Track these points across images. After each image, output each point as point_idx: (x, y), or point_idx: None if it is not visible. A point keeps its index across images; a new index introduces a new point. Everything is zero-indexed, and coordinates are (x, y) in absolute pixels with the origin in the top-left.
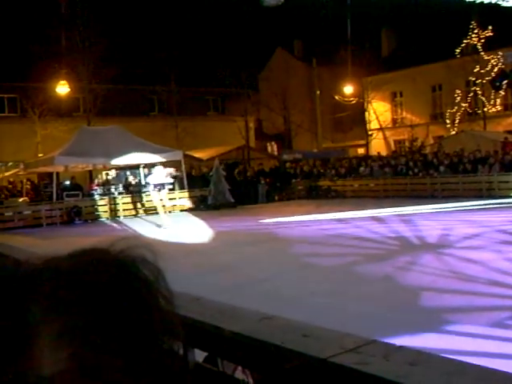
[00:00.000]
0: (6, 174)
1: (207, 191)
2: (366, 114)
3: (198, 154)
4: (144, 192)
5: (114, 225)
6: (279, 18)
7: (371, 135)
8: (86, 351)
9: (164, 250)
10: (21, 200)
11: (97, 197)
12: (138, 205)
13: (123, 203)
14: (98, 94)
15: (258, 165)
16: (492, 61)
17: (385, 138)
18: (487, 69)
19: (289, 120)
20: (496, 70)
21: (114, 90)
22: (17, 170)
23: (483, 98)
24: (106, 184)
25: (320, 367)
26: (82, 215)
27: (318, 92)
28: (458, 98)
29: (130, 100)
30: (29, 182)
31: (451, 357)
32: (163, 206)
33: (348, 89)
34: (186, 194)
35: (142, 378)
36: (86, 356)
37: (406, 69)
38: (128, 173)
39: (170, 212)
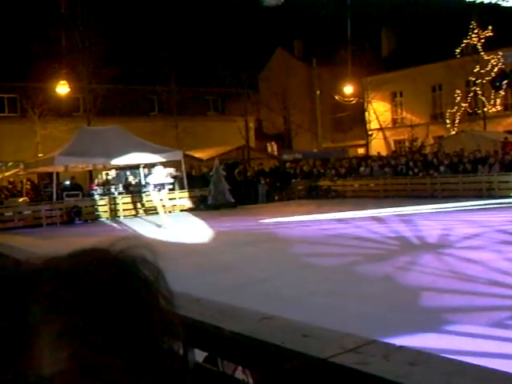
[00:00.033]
0: (6, 173)
1: (207, 191)
2: (366, 113)
3: (198, 154)
4: (144, 192)
5: (114, 225)
6: (279, 17)
7: (371, 135)
8: (86, 351)
9: (164, 250)
10: (21, 200)
11: (97, 197)
12: (138, 205)
13: (123, 203)
14: (98, 94)
15: (258, 165)
16: (492, 61)
17: (385, 138)
18: (487, 69)
19: (289, 120)
20: (496, 70)
21: (113, 89)
22: (17, 170)
23: (483, 98)
24: (106, 184)
25: (320, 367)
26: (82, 215)
27: (318, 92)
28: (458, 98)
29: (130, 100)
30: (29, 182)
31: (451, 357)
32: (163, 205)
33: (348, 89)
34: (186, 194)
35: (142, 378)
36: (86, 356)
37: (405, 69)
38: (128, 173)
39: (169, 212)
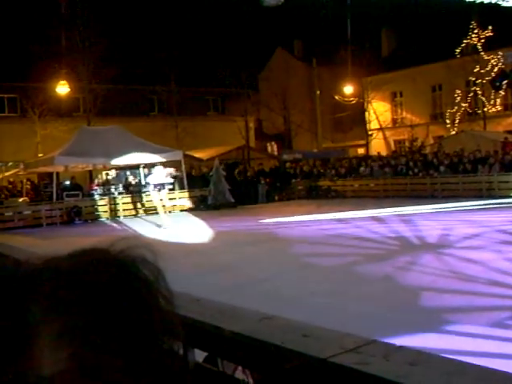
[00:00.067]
0: (6, 173)
1: (207, 191)
2: (366, 113)
3: (198, 154)
4: (144, 192)
5: (114, 225)
6: (279, 17)
7: (371, 135)
8: (86, 351)
9: (164, 250)
10: (21, 200)
11: (97, 197)
12: (138, 205)
13: (123, 203)
14: (98, 94)
15: (258, 165)
16: (492, 61)
17: (385, 138)
18: (487, 69)
19: (289, 120)
20: (496, 70)
21: (113, 89)
22: (17, 170)
23: (483, 98)
24: (106, 184)
25: (320, 367)
26: (82, 215)
27: (318, 92)
28: (458, 98)
29: (130, 100)
30: (29, 182)
31: (451, 357)
32: (163, 205)
33: (348, 89)
34: (186, 194)
35: (142, 378)
36: (86, 356)
37: (406, 69)
38: (128, 173)
39: (169, 212)
